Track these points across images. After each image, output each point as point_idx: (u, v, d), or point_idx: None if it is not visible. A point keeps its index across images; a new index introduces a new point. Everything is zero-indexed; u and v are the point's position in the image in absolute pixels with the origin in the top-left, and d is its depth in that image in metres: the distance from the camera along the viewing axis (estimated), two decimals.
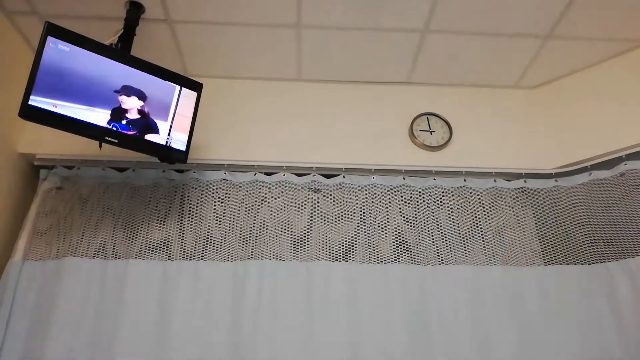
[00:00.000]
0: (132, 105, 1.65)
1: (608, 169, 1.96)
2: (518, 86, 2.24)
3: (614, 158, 1.93)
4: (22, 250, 1.84)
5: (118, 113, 1.62)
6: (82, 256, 1.84)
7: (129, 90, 1.66)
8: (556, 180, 2.04)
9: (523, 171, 2.05)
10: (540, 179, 2.06)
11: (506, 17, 1.87)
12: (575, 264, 1.87)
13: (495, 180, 2.07)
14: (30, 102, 1.47)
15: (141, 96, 1.68)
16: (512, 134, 2.13)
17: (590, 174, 1.98)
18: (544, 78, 2.19)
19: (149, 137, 1.69)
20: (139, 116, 1.66)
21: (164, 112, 1.73)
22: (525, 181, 2.06)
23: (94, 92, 1.59)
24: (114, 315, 1.72)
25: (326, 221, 1.97)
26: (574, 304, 1.78)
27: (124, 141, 1.64)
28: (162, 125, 1.73)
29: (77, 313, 1.72)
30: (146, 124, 1.68)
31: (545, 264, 1.90)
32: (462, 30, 1.94)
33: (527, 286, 1.82)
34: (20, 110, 1.46)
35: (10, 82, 1.89)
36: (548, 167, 2.06)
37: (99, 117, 1.59)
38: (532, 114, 2.18)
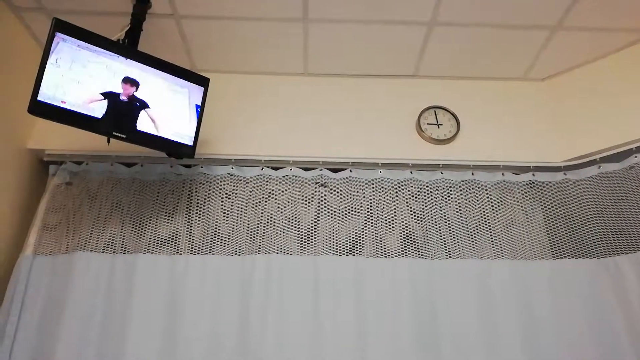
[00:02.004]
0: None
1: (618, 161, 1.94)
2: (526, 78, 2.22)
3: (623, 151, 1.91)
4: (33, 245, 1.86)
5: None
6: (91, 251, 1.85)
7: (131, 81, 1.66)
8: (565, 174, 2.03)
9: (531, 164, 2.04)
10: (549, 172, 2.05)
11: (514, 8, 1.85)
12: (584, 257, 1.86)
13: (503, 174, 2.06)
14: (39, 98, 1.48)
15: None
16: (520, 126, 2.12)
17: (600, 167, 1.96)
18: (552, 70, 2.17)
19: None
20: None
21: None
22: (533, 174, 2.05)
23: (101, 87, 1.59)
24: (123, 308, 1.74)
25: (333, 215, 1.97)
26: (583, 298, 1.77)
27: (131, 136, 1.65)
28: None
29: (87, 306, 1.74)
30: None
31: (554, 258, 1.90)
32: (469, 22, 1.92)
33: (536, 280, 1.81)
34: (29, 107, 1.47)
35: (19, 79, 1.91)
36: (557, 160, 2.04)
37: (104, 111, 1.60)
38: (540, 107, 2.16)
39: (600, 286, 1.78)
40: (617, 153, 1.92)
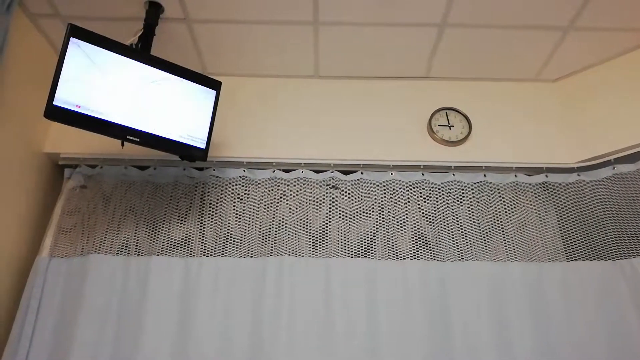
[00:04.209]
0: None
1: (632, 162, 1.92)
2: (538, 79, 2.21)
3: (638, 151, 1.89)
4: (49, 248, 1.89)
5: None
6: (106, 253, 1.87)
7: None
8: (578, 175, 2.01)
9: (544, 165, 2.03)
10: (562, 174, 2.03)
11: (525, 8, 1.84)
12: (598, 259, 1.84)
13: (515, 175, 2.05)
14: (54, 103, 1.50)
15: None
16: (532, 127, 2.10)
17: (614, 168, 1.94)
18: (565, 71, 2.16)
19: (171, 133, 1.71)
20: None
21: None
22: (546, 176, 2.03)
23: (116, 91, 1.61)
24: (137, 310, 1.75)
25: (344, 217, 1.97)
26: (597, 300, 1.75)
27: (145, 140, 1.67)
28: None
29: (102, 308, 1.76)
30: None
31: (568, 260, 1.88)
32: (480, 23, 1.92)
33: (549, 282, 1.79)
34: (45, 111, 1.49)
35: (35, 84, 1.94)
36: (570, 161, 2.02)
37: (120, 116, 1.62)
38: (553, 108, 2.15)
39: (616, 289, 1.76)
40: (632, 154, 1.90)
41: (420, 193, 2.03)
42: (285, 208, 1.99)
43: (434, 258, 1.88)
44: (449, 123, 2.10)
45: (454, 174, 2.05)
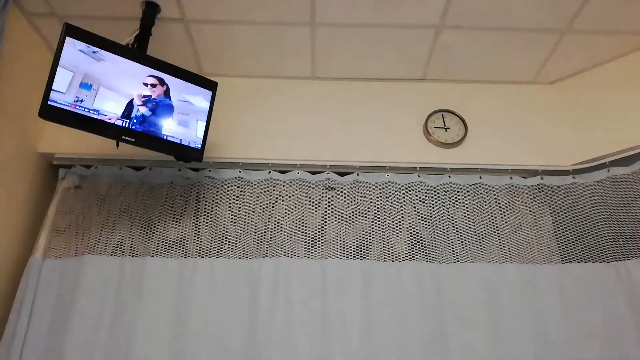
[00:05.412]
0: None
1: (627, 165, 1.93)
2: (535, 82, 2.22)
3: (633, 154, 1.90)
4: (43, 248, 1.88)
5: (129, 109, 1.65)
6: (100, 254, 1.87)
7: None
8: (574, 177, 2.02)
9: (540, 168, 2.03)
10: (558, 176, 2.03)
11: (523, 11, 1.85)
12: (593, 261, 1.84)
13: (511, 177, 2.05)
14: (49, 102, 1.50)
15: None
16: (528, 130, 2.11)
17: (609, 171, 1.95)
18: (561, 73, 2.16)
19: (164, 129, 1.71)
20: (148, 112, 1.68)
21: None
22: (542, 178, 2.04)
23: (111, 92, 1.61)
24: (131, 311, 1.75)
25: (340, 219, 1.97)
26: (592, 302, 1.75)
27: (140, 140, 1.66)
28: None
29: (96, 309, 1.75)
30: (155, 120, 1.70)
31: (563, 262, 1.88)
32: (477, 25, 1.92)
33: (544, 285, 1.80)
34: (40, 111, 1.49)
35: (30, 83, 1.93)
36: (565, 163, 2.03)
37: (115, 116, 1.61)
38: (549, 110, 2.15)
39: (610, 290, 1.76)
40: (627, 156, 1.91)
41: (416, 195, 2.04)
42: (281, 209, 1.99)
43: (429, 260, 1.88)
44: (445, 125, 2.11)
45: (449, 176, 2.05)
